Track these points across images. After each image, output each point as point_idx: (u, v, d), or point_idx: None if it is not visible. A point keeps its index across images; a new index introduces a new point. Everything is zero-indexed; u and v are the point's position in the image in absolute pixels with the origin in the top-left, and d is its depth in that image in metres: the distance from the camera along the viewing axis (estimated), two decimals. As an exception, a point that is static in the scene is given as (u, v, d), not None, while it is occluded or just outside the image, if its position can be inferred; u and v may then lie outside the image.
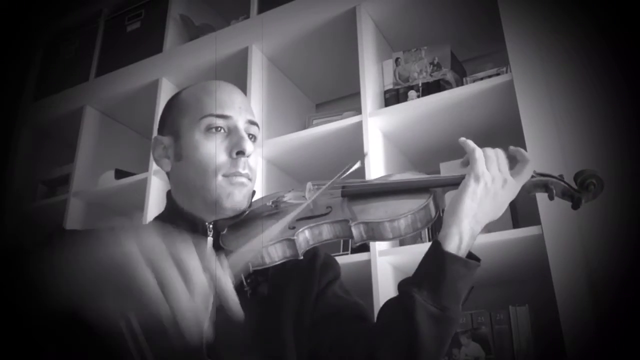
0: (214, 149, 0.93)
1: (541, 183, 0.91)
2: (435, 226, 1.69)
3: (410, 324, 0.81)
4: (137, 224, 0.95)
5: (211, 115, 0.95)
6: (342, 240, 1.78)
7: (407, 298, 0.83)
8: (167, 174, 1.02)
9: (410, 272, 0.88)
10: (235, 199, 0.93)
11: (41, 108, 2.61)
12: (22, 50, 2.80)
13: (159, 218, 1.02)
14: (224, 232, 0.93)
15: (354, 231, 0.85)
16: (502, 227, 1.47)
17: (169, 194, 1.02)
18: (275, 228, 0.79)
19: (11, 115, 2.66)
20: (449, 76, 1.78)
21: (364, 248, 1.66)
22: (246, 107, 1.00)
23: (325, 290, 0.99)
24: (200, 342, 0.84)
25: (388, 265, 1.64)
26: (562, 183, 0.91)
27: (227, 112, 0.96)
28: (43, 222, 2.42)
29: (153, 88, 2.25)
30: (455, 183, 0.90)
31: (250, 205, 0.98)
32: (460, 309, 0.84)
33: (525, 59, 1.57)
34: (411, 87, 1.81)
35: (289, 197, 0.96)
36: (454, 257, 0.82)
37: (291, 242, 0.86)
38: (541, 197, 1.40)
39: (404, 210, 0.85)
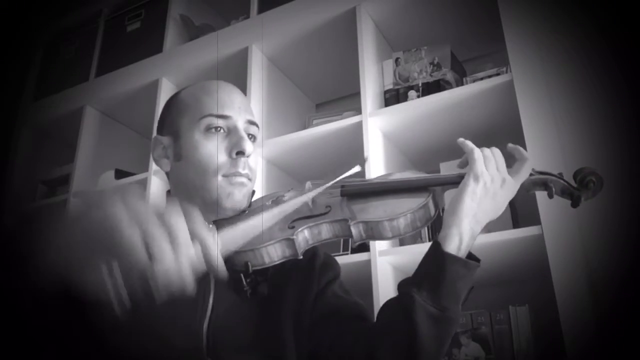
0: (213, 149, 0.93)
1: (540, 181, 0.91)
2: (435, 226, 1.69)
3: (410, 324, 0.81)
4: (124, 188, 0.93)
5: (211, 115, 0.95)
6: (342, 240, 1.78)
7: (406, 298, 0.83)
8: (167, 174, 1.02)
9: (410, 272, 0.88)
10: (235, 198, 0.93)
11: (41, 108, 2.60)
12: (22, 50, 2.80)
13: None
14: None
15: (353, 230, 0.85)
16: (502, 227, 1.47)
17: (168, 194, 1.02)
18: (274, 217, 0.79)
19: (11, 115, 2.66)
20: (449, 76, 1.78)
21: (364, 248, 1.66)
22: (246, 107, 1.00)
23: (324, 290, 0.99)
24: (199, 337, 0.85)
25: (388, 265, 1.64)
26: (562, 181, 0.90)
27: (226, 112, 0.96)
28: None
29: (153, 88, 2.25)
30: (454, 182, 0.90)
31: (250, 205, 0.98)
32: (460, 309, 0.84)
33: (525, 59, 1.57)
34: (411, 87, 1.81)
35: (288, 197, 0.96)
36: (453, 258, 0.82)
37: (290, 242, 0.86)
38: (541, 197, 1.40)
39: (403, 209, 0.85)
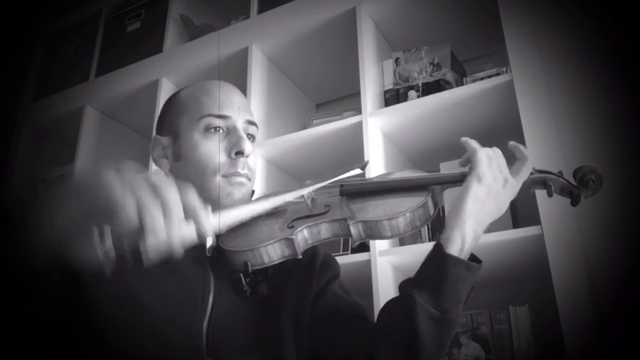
0: (212, 149, 0.93)
1: (540, 180, 0.91)
2: (435, 225, 1.69)
3: (411, 325, 0.81)
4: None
5: (210, 115, 0.95)
6: (342, 240, 1.78)
7: (407, 299, 0.83)
8: (166, 174, 1.02)
9: (410, 272, 0.88)
10: (235, 198, 0.93)
11: (41, 108, 2.60)
12: (22, 50, 2.80)
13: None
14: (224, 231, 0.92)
15: (353, 230, 0.85)
16: (502, 227, 1.47)
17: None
18: (267, 205, 0.78)
19: (11, 115, 2.66)
20: (449, 76, 1.78)
21: (364, 248, 1.66)
22: (245, 107, 1.00)
23: (324, 289, 0.99)
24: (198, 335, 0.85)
25: (388, 265, 1.64)
26: (561, 179, 0.90)
27: (226, 112, 0.95)
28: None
29: (153, 88, 2.24)
30: (453, 181, 0.90)
31: (250, 204, 0.98)
32: (460, 311, 0.84)
33: (525, 59, 1.57)
34: (411, 87, 1.81)
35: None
36: (455, 260, 0.82)
37: (290, 242, 0.86)
38: (541, 197, 1.40)
39: (402, 209, 0.85)
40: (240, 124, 0.97)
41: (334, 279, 1.02)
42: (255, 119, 1.02)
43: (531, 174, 0.90)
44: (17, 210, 0.59)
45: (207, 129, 0.95)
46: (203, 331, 0.86)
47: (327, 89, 2.35)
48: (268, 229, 0.88)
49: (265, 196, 1.00)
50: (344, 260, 1.62)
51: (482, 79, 1.68)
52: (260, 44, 2.06)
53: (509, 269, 1.64)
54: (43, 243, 0.55)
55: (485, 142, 0.91)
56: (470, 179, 0.85)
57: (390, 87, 1.86)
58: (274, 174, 2.05)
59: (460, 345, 1.55)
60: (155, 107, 2.17)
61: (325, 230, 0.88)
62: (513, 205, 1.61)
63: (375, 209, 0.87)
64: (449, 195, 0.99)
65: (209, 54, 2.15)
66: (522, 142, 1.45)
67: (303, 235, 0.87)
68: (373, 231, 0.85)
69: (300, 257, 0.87)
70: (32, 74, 2.74)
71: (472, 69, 1.92)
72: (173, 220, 0.54)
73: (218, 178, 0.92)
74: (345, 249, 1.77)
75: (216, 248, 0.92)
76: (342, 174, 0.93)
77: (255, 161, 1.00)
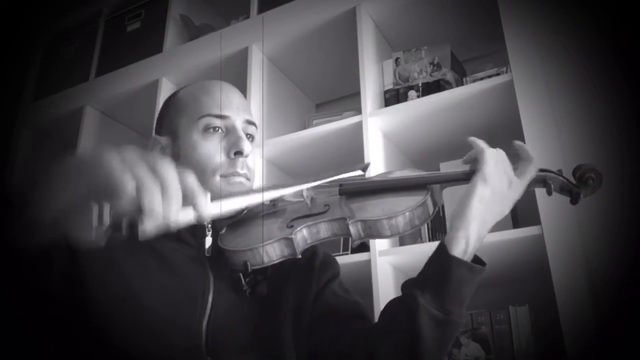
0: (212, 149, 0.93)
1: (540, 178, 0.91)
2: (435, 225, 1.69)
3: (413, 326, 0.81)
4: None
5: (209, 115, 0.95)
6: (342, 240, 1.78)
7: (410, 300, 0.83)
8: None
9: (410, 272, 0.88)
10: (234, 198, 0.93)
11: (41, 108, 2.60)
12: (22, 50, 2.80)
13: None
14: (223, 231, 0.93)
15: (352, 229, 0.85)
16: (502, 227, 1.46)
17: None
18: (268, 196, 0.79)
19: (11, 115, 2.66)
20: (449, 76, 1.78)
21: (364, 248, 1.66)
22: (244, 106, 1.00)
23: (324, 289, 0.99)
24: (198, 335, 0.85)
25: (388, 265, 1.64)
26: (561, 178, 0.90)
27: (225, 112, 0.95)
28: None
29: (153, 88, 2.24)
30: (453, 179, 0.89)
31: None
32: (463, 312, 0.84)
33: (525, 59, 1.57)
34: (411, 87, 1.81)
35: (287, 196, 0.96)
36: (459, 262, 0.82)
37: (289, 241, 0.86)
38: (541, 197, 1.40)
39: (401, 208, 0.85)
40: (239, 123, 0.97)
41: (334, 279, 1.02)
42: (255, 119, 1.02)
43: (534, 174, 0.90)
44: (18, 189, 0.60)
45: (206, 128, 0.94)
46: (202, 330, 0.86)
47: (327, 89, 2.35)
48: (267, 228, 0.88)
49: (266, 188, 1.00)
50: (344, 260, 1.62)
51: (482, 79, 1.68)
52: (260, 44, 2.06)
53: (509, 269, 1.64)
54: (43, 221, 0.56)
55: (487, 142, 0.91)
56: (476, 180, 0.85)
57: (390, 87, 1.86)
58: (274, 174, 2.05)
59: (460, 345, 1.55)
60: (155, 107, 2.17)
61: (324, 229, 0.88)
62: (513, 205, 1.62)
63: (375, 208, 0.87)
64: (449, 194, 0.99)
65: (209, 54, 2.15)
66: (522, 142, 1.45)
67: (302, 235, 0.87)
68: (372, 230, 0.85)
69: (300, 256, 0.87)
70: (32, 74, 2.74)
71: (472, 69, 1.92)
72: (171, 200, 0.54)
73: (216, 178, 0.92)
74: (345, 249, 1.77)
75: (216, 248, 0.92)
76: (342, 172, 0.92)
77: (255, 161, 1.00)
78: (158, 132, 1.03)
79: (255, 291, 0.92)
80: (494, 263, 1.55)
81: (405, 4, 1.89)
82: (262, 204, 0.97)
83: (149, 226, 0.53)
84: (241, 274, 0.90)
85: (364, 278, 1.59)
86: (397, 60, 1.88)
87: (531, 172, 0.89)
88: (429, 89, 1.77)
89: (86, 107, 2.44)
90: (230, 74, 1.96)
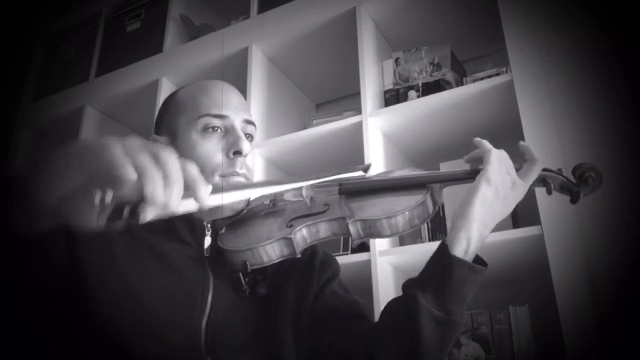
0: (211, 149, 0.93)
1: (539, 177, 0.91)
2: (435, 225, 1.69)
3: (413, 325, 0.81)
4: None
5: (208, 115, 0.94)
6: (342, 240, 1.78)
7: (411, 300, 0.83)
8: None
9: (410, 272, 0.88)
10: (233, 198, 0.93)
11: (41, 108, 2.60)
12: (22, 50, 2.80)
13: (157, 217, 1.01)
14: (222, 231, 0.93)
15: (351, 229, 0.85)
16: (502, 227, 1.45)
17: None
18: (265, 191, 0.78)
19: (11, 115, 2.66)
20: (449, 76, 1.78)
21: (364, 248, 1.66)
22: (243, 106, 1.00)
23: (324, 288, 0.99)
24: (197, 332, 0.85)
25: (388, 265, 1.64)
26: (560, 177, 0.90)
27: (223, 112, 0.95)
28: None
29: (153, 88, 2.24)
30: (452, 179, 0.89)
31: (248, 204, 0.98)
32: (464, 312, 0.84)
33: (525, 59, 1.57)
34: (411, 87, 1.81)
35: (286, 195, 0.96)
36: (460, 262, 0.82)
37: (288, 241, 0.86)
38: (541, 197, 1.40)
39: (401, 207, 0.85)
40: (238, 123, 0.96)
41: (334, 278, 1.02)
42: (254, 119, 1.02)
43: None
44: (20, 175, 0.60)
45: (205, 128, 0.94)
46: (202, 330, 0.86)
47: (327, 89, 2.35)
48: (267, 228, 0.88)
49: (267, 196, 1.00)
50: (344, 260, 1.62)
51: (482, 79, 1.68)
52: (260, 44, 2.06)
53: (509, 269, 1.64)
54: (45, 205, 0.56)
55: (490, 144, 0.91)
56: (480, 180, 0.85)
57: (390, 87, 1.86)
58: (274, 174, 2.05)
59: (460, 345, 1.55)
60: (155, 107, 2.17)
61: (324, 229, 0.88)
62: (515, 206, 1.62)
63: (374, 207, 0.87)
64: (449, 194, 0.99)
65: (209, 54, 2.15)
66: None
67: (302, 235, 0.87)
68: (372, 230, 0.85)
69: (299, 256, 0.87)
70: (32, 74, 2.74)
71: (472, 69, 1.92)
72: (173, 188, 0.54)
73: (215, 178, 0.92)
74: (346, 249, 1.77)
75: (215, 247, 0.92)
76: (343, 172, 0.92)
77: (254, 161, 1.00)
78: (157, 132, 1.03)
79: (255, 291, 0.92)
80: (494, 263, 1.54)
81: (405, 4, 1.89)
82: (261, 203, 0.97)
83: (150, 213, 0.53)
84: (241, 274, 0.90)
85: (364, 278, 1.58)
86: (397, 60, 1.88)
87: (535, 174, 0.89)
88: (429, 89, 1.77)
89: (86, 107, 2.44)
90: (230, 74, 1.97)
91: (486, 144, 0.89)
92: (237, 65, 2.08)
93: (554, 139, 1.46)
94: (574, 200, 0.89)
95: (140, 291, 0.85)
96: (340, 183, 0.93)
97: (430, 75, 1.80)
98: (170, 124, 0.99)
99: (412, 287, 0.85)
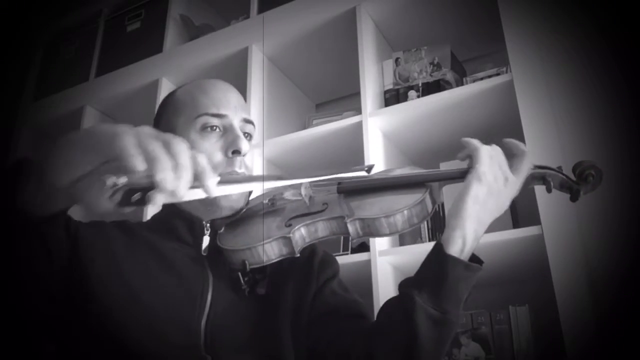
0: (209, 148, 0.93)
1: (539, 175, 0.90)
2: (435, 225, 1.69)
3: (410, 325, 0.81)
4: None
5: (206, 114, 0.94)
6: (342, 240, 1.78)
7: (407, 299, 0.83)
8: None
9: (410, 272, 0.87)
10: (232, 197, 0.93)
11: (41, 108, 2.60)
12: (22, 50, 2.80)
13: (157, 217, 1.01)
14: (222, 230, 0.93)
15: (350, 228, 0.85)
16: (502, 227, 1.47)
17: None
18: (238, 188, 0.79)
19: (11, 115, 2.65)
20: (449, 76, 1.78)
21: (364, 248, 1.66)
22: (242, 105, 1.00)
23: (323, 288, 0.99)
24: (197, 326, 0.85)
25: (388, 265, 1.64)
26: (560, 175, 0.90)
27: (222, 111, 0.95)
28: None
29: (153, 88, 2.25)
30: (451, 177, 0.89)
31: (248, 203, 0.98)
32: (460, 311, 0.83)
33: (525, 59, 1.57)
34: (411, 87, 1.81)
35: (285, 195, 0.95)
36: (456, 261, 0.82)
37: (287, 240, 0.86)
38: (541, 197, 1.40)
39: (400, 206, 0.85)
40: (236, 122, 0.96)
41: (333, 277, 1.02)
42: (253, 118, 1.01)
43: (530, 169, 0.90)
44: (30, 160, 0.63)
45: (204, 128, 0.94)
46: (201, 329, 0.86)
47: (327, 89, 2.35)
48: (266, 227, 0.88)
49: (266, 195, 1.00)
50: (344, 260, 1.62)
51: (482, 79, 1.68)
52: (260, 44, 2.06)
53: (509, 269, 1.64)
54: (57, 188, 0.58)
55: (486, 142, 0.91)
56: (471, 179, 0.84)
57: (390, 87, 1.86)
58: (273, 174, 2.05)
59: (460, 345, 1.55)
60: (155, 107, 2.16)
61: (322, 228, 0.88)
62: (513, 205, 1.61)
63: (373, 206, 0.87)
64: (450, 193, 0.99)
65: (209, 54, 2.15)
66: (522, 142, 1.45)
67: (300, 234, 0.87)
68: (371, 229, 0.85)
69: (298, 255, 0.87)
70: (32, 74, 2.74)
71: (472, 69, 1.92)
72: (182, 176, 0.55)
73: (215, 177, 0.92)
74: (345, 248, 1.77)
75: (214, 247, 0.92)
76: (344, 171, 0.92)
77: (253, 160, 1.00)
78: (156, 131, 1.03)
79: (254, 290, 0.92)
80: (494, 263, 1.56)
81: (405, 4, 1.89)
82: (260, 202, 0.97)
83: (159, 199, 0.55)
84: (240, 273, 0.90)
85: (364, 278, 1.58)
86: (397, 60, 1.88)
87: (527, 167, 0.88)
88: (429, 89, 1.77)
89: (86, 107, 2.44)
90: (230, 74, 1.96)
91: (474, 142, 0.88)
92: (237, 65, 2.08)
93: (554, 139, 1.46)
94: (573, 198, 0.89)
95: (140, 290, 0.85)
96: (339, 182, 0.93)
97: (430, 75, 1.80)
98: (169, 124, 0.99)
99: (408, 286, 0.85)
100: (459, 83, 1.78)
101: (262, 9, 2.10)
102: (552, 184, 0.89)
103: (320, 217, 0.87)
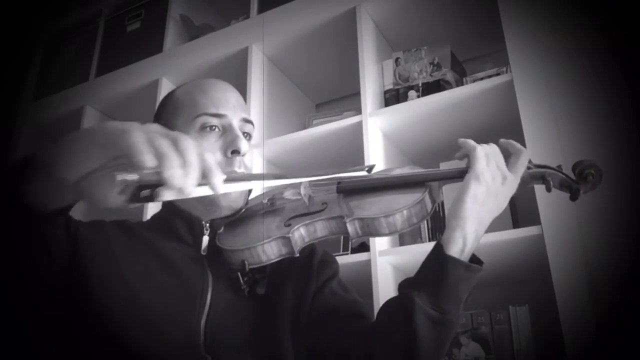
0: (209, 148, 0.93)
1: (538, 174, 0.90)
2: (435, 225, 1.69)
3: (409, 325, 0.81)
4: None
5: (206, 114, 0.94)
6: (342, 240, 1.78)
7: (406, 300, 0.83)
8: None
9: (410, 272, 0.87)
10: (232, 197, 0.93)
11: (41, 108, 2.60)
12: (22, 50, 2.80)
13: (157, 216, 1.01)
14: (221, 230, 0.93)
15: (349, 227, 0.85)
16: (502, 227, 1.47)
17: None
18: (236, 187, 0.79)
19: (11, 115, 2.66)
20: (449, 76, 1.78)
21: (364, 248, 1.66)
22: (241, 105, 0.99)
23: (322, 287, 0.98)
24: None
25: (388, 265, 1.64)
26: (560, 174, 0.89)
27: (221, 111, 0.95)
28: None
29: (153, 88, 2.25)
30: (451, 177, 0.89)
31: (247, 203, 0.98)
32: (460, 312, 0.83)
33: (525, 59, 1.57)
34: (411, 87, 1.81)
35: (285, 194, 0.95)
36: (456, 261, 0.81)
37: (286, 240, 0.86)
38: (541, 197, 1.40)
39: (399, 205, 0.84)
40: (236, 122, 0.96)
41: (333, 277, 1.01)
42: (253, 118, 1.01)
43: (529, 168, 0.89)
44: (42, 153, 0.63)
45: (203, 127, 0.94)
46: (201, 329, 0.86)
47: (327, 89, 2.35)
48: (265, 227, 0.88)
49: (266, 195, 1.00)
50: (344, 260, 1.62)
51: (482, 79, 1.68)
52: (260, 44, 2.06)
53: (509, 269, 1.64)
54: (66, 183, 0.59)
55: (486, 142, 0.91)
56: (469, 179, 0.84)
57: (390, 87, 1.86)
58: (273, 174, 2.05)
59: (460, 345, 1.55)
60: (155, 107, 2.16)
61: (321, 228, 0.88)
62: (513, 205, 1.62)
63: (372, 206, 0.86)
64: (450, 192, 0.99)
65: (209, 54, 2.15)
66: (522, 142, 1.45)
67: (300, 234, 0.87)
68: (370, 228, 0.85)
69: (298, 255, 0.87)
70: (32, 74, 2.74)
71: (472, 69, 1.92)
72: (190, 172, 0.56)
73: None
74: (345, 249, 1.77)
75: (213, 247, 0.92)
76: (344, 171, 0.92)
77: (252, 160, 1.00)
78: (155, 131, 1.03)
79: (254, 290, 0.92)
80: (494, 263, 1.56)
81: (405, 4, 1.89)
82: (260, 202, 0.97)
83: (167, 195, 0.56)
84: (239, 273, 0.90)
85: (364, 278, 1.58)
86: (397, 60, 1.88)
87: (523, 164, 0.88)
88: (429, 89, 1.77)
89: (86, 107, 2.44)
90: (230, 74, 1.96)
91: (469, 142, 0.88)
92: (237, 65, 2.08)
93: (554, 139, 1.46)
94: (573, 198, 0.89)
95: (140, 290, 0.85)
96: (339, 181, 0.93)
97: (430, 75, 1.80)
98: (168, 123, 0.98)
99: (407, 287, 0.85)
100: (459, 83, 1.78)
101: (262, 9, 2.10)
102: (551, 183, 0.89)
103: (319, 217, 0.87)
